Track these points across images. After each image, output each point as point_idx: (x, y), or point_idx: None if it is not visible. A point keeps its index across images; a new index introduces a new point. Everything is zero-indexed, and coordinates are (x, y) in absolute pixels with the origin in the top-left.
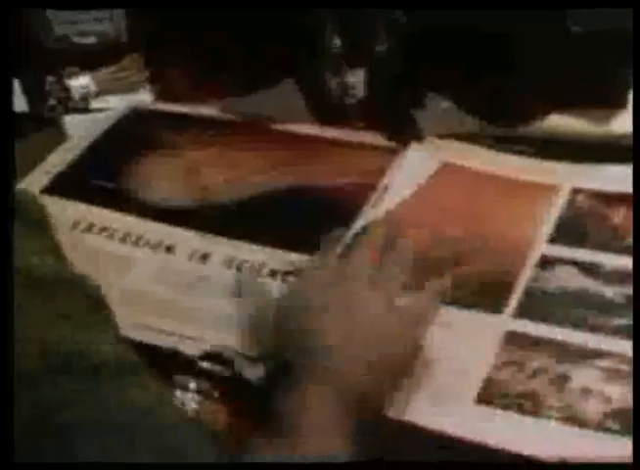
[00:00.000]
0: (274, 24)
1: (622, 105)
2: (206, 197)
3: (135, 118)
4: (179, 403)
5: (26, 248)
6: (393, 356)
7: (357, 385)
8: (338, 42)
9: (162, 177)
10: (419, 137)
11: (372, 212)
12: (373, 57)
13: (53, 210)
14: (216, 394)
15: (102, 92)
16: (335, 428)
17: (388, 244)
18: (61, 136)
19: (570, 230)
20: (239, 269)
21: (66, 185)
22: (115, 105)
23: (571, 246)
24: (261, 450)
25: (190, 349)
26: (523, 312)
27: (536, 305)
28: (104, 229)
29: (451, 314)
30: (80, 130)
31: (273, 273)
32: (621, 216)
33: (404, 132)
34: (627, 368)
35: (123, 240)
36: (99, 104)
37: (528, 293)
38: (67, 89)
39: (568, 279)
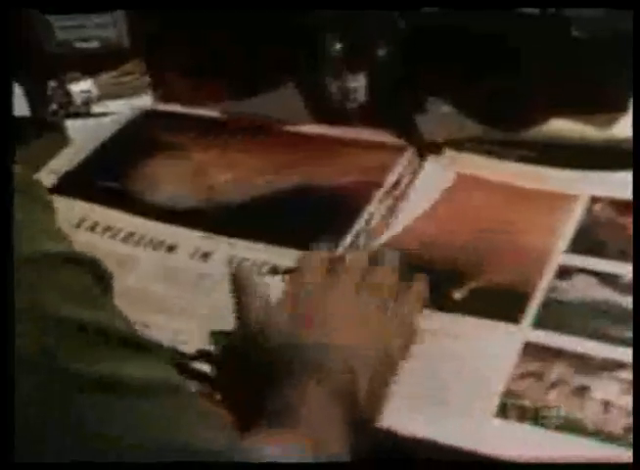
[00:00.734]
0: (275, 28)
1: (625, 109)
2: (212, 197)
3: (142, 121)
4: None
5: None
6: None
7: (349, 384)
8: (338, 46)
9: (169, 178)
10: (437, 150)
11: (377, 210)
12: (374, 61)
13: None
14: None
15: (104, 97)
16: (332, 422)
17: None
18: (63, 140)
19: (588, 239)
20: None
21: (72, 185)
22: (117, 109)
23: (589, 255)
24: (261, 440)
25: (189, 347)
26: (541, 323)
27: (554, 316)
28: (108, 228)
29: (469, 325)
30: (82, 135)
31: (274, 271)
32: None
33: (405, 136)
34: None
35: (126, 239)
36: (100, 108)
37: (547, 303)
38: (68, 94)
39: (586, 289)
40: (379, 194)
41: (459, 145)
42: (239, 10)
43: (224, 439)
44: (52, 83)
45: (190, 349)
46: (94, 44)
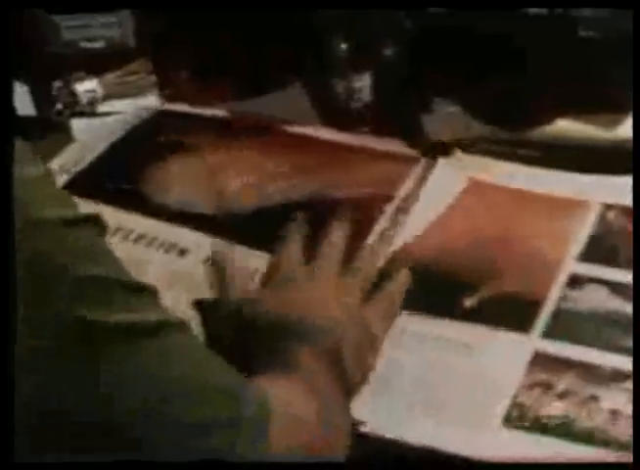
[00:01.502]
0: (281, 28)
1: (631, 109)
2: (223, 202)
3: (153, 121)
4: None
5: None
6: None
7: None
8: (344, 46)
9: (181, 180)
10: (446, 153)
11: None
12: (379, 61)
13: None
14: None
15: (109, 96)
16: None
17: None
18: (68, 140)
19: (600, 248)
20: None
21: (82, 185)
22: (122, 109)
23: (600, 264)
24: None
25: None
26: (550, 333)
27: (564, 326)
28: (118, 229)
29: (479, 334)
30: (87, 134)
31: None
32: None
33: (411, 137)
34: None
35: (137, 241)
36: (106, 108)
37: (557, 313)
38: (74, 94)
39: (597, 299)
40: (391, 208)
41: (468, 146)
42: (245, 10)
43: (235, 376)
44: (57, 83)
45: None
46: (100, 44)
